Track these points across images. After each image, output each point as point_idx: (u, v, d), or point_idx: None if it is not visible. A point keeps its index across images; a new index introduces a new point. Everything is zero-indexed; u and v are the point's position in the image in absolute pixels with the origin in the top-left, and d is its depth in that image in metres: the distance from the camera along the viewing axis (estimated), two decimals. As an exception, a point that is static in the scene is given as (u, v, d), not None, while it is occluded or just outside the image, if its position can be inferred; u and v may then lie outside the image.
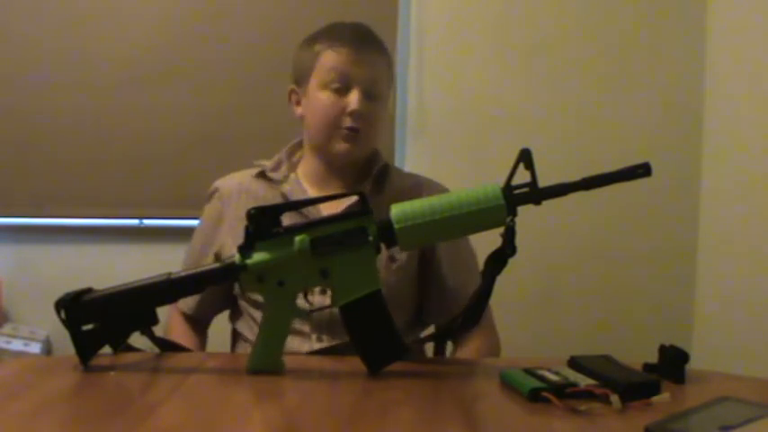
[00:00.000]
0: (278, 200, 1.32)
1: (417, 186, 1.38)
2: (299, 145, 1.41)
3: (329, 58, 1.29)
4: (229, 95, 2.23)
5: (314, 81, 1.31)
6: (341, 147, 1.30)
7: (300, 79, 1.34)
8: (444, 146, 2.25)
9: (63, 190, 2.25)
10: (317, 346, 1.25)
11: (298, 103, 1.36)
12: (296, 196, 1.32)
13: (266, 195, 1.34)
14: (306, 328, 1.26)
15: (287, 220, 1.01)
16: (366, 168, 1.37)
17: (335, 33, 1.31)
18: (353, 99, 1.27)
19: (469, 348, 1.29)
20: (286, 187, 1.34)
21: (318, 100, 1.29)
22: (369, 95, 1.29)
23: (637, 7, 2.24)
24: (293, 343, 1.24)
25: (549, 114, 2.24)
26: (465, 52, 2.26)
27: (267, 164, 1.38)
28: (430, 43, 2.25)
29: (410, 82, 2.25)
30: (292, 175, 1.37)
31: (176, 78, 2.23)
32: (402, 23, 2.22)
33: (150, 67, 2.23)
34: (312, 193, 1.35)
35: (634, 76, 2.24)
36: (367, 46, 1.30)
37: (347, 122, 1.28)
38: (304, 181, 1.37)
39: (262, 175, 1.37)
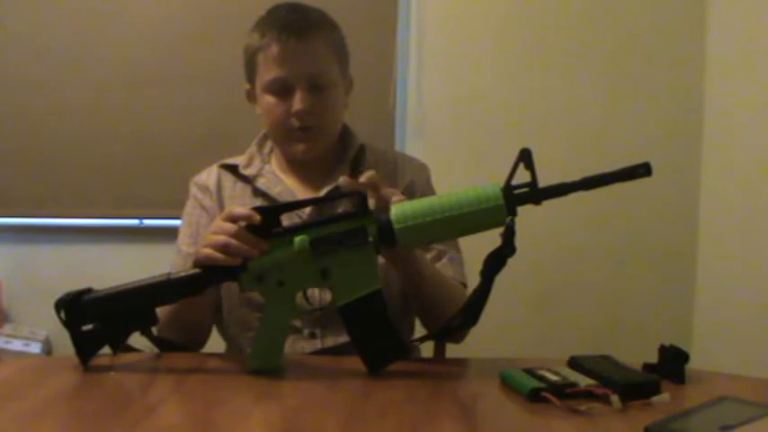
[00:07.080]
0: (248, 196, 1.30)
1: (393, 161, 1.36)
2: (267, 135, 1.38)
3: (264, 62, 1.24)
4: (229, 96, 2.20)
5: (258, 83, 1.28)
6: (297, 148, 1.28)
7: (249, 78, 1.31)
8: (444, 146, 2.25)
9: (63, 190, 2.25)
10: (308, 343, 1.24)
11: (255, 101, 1.32)
12: (272, 189, 1.30)
13: (235, 191, 1.32)
14: (297, 323, 1.23)
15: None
16: (340, 147, 1.34)
17: (267, 27, 1.25)
18: (296, 99, 1.23)
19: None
20: (261, 181, 1.31)
21: (265, 103, 1.26)
22: (314, 87, 1.24)
23: (637, 7, 2.24)
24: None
25: (549, 114, 2.25)
26: (465, 52, 2.26)
27: (239, 160, 1.35)
28: (430, 43, 2.25)
29: (410, 82, 2.25)
30: (267, 167, 1.34)
31: (176, 79, 2.23)
32: (402, 23, 2.22)
33: (150, 68, 2.23)
34: (289, 181, 1.32)
35: (634, 76, 2.24)
36: (300, 36, 1.22)
37: (296, 123, 1.25)
38: (279, 170, 1.34)
39: (231, 169, 1.34)
